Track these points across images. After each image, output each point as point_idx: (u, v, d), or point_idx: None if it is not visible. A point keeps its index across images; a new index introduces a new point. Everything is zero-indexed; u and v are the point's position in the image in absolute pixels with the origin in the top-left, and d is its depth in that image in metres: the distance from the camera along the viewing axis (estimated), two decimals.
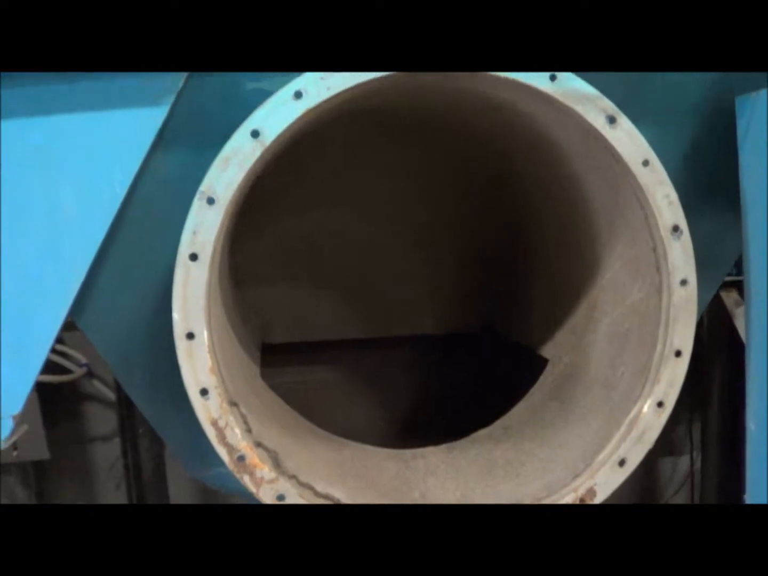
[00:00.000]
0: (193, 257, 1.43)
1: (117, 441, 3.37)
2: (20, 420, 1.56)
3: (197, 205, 1.42)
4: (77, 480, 3.55)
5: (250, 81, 1.56)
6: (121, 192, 1.52)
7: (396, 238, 2.44)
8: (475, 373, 2.31)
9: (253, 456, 1.48)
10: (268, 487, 1.49)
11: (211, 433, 1.47)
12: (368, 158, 2.29)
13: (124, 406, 3.22)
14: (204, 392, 1.45)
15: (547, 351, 1.96)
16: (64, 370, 3.25)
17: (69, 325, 1.64)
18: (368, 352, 2.44)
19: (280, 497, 1.49)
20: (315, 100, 1.42)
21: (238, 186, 1.42)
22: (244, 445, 1.48)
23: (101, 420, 3.43)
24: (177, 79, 1.51)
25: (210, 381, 1.45)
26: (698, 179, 1.68)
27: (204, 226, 1.43)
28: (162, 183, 1.58)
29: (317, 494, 1.52)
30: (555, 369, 1.89)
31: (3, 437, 1.54)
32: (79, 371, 3.25)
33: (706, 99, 1.65)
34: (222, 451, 1.48)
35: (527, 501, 1.56)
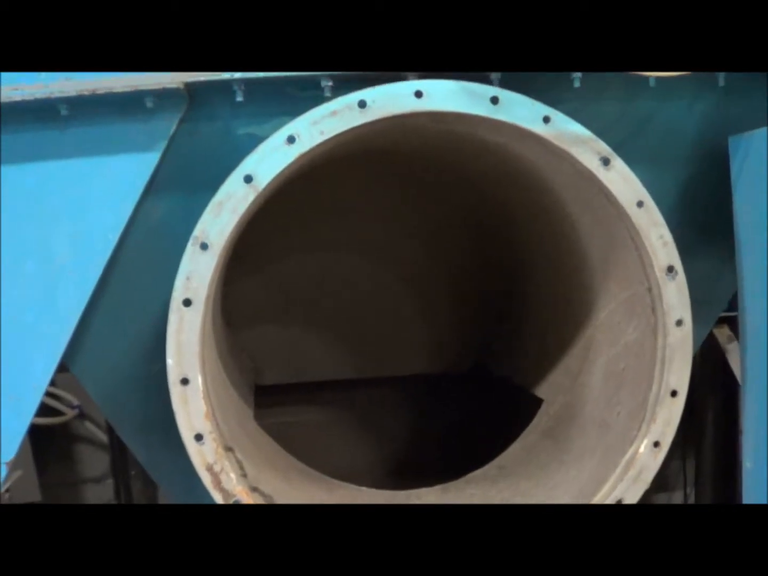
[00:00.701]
0: (187, 303, 1.42)
1: (109, 483, 3.33)
2: (13, 465, 1.55)
3: (191, 250, 1.42)
4: None
5: (241, 126, 1.57)
6: (114, 238, 1.53)
7: (391, 279, 2.45)
8: (468, 413, 2.31)
9: (249, 501, 1.47)
10: None
11: (206, 479, 1.46)
12: (365, 201, 2.30)
13: (117, 448, 3.19)
14: (199, 438, 1.44)
15: (541, 391, 1.96)
16: (56, 412, 3.22)
17: (61, 367, 1.64)
18: (361, 392, 2.43)
19: None
20: (308, 145, 1.42)
21: (231, 231, 1.42)
22: (239, 489, 1.47)
23: (93, 462, 3.39)
24: (169, 124, 1.52)
25: (205, 426, 1.44)
26: (692, 220, 1.69)
27: (197, 272, 1.42)
28: (153, 228, 1.58)
29: None
30: (550, 409, 1.89)
31: None
32: (70, 413, 3.22)
33: (701, 140, 1.67)
34: (218, 497, 1.47)
35: None
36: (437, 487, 1.84)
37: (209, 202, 1.43)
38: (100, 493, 3.39)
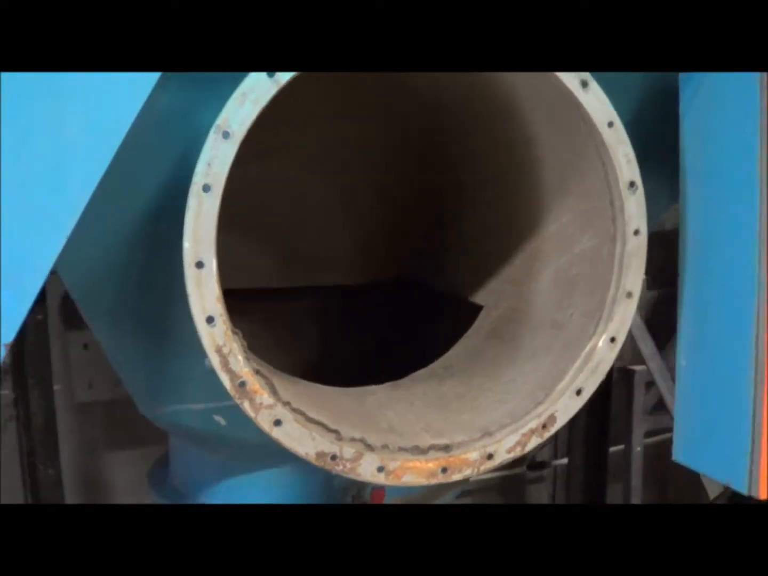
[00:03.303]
0: (206, 188, 1.47)
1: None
2: None
3: (213, 138, 1.46)
4: None
5: None
6: (128, 121, 1.52)
7: (324, 188, 2.53)
8: (394, 322, 2.43)
9: (253, 382, 1.54)
10: (266, 412, 1.55)
11: (215, 360, 1.52)
12: (310, 110, 2.34)
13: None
14: (210, 320, 1.50)
15: (479, 299, 2.12)
16: None
17: None
18: (286, 301, 2.51)
19: (278, 422, 1.56)
20: None
21: (252, 121, 1.48)
22: (245, 371, 1.53)
23: None
24: None
25: (216, 309, 1.50)
26: (639, 146, 1.88)
27: (218, 159, 1.47)
28: (156, 117, 1.59)
29: (309, 419, 1.59)
30: (492, 313, 2.05)
31: None
32: None
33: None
34: (224, 378, 1.53)
35: (494, 429, 1.71)
36: (386, 384, 1.96)
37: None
38: None
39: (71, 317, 3.13)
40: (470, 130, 2.08)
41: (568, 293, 1.83)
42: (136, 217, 1.69)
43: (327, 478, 2.11)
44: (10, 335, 1.52)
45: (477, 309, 2.11)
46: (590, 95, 1.65)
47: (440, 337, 2.16)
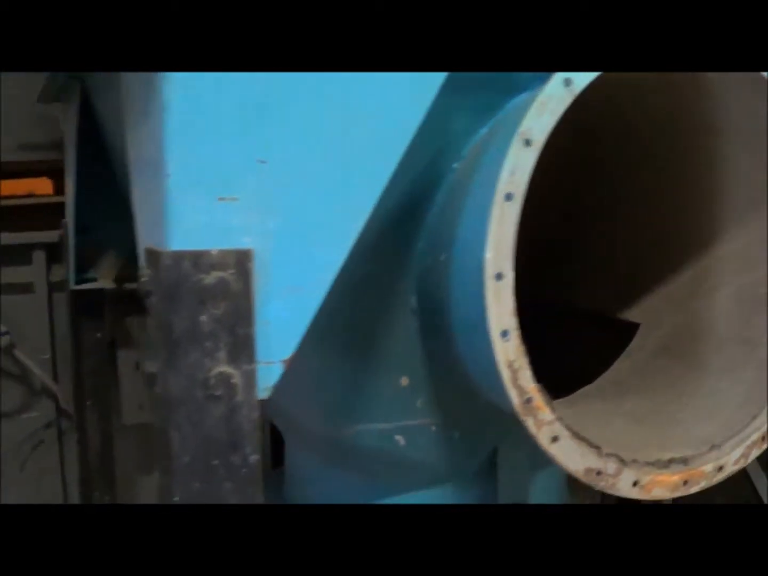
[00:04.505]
0: (509, 197, 1.44)
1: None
2: None
3: (516, 146, 1.44)
4: None
5: None
6: (406, 140, 1.47)
7: None
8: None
9: (538, 399, 1.51)
10: (546, 428, 1.52)
11: (506, 375, 1.48)
12: None
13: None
14: (505, 334, 1.46)
15: (632, 316, 2.15)
16: None
17: None
18: None
19: (555, 439, 1.53)
20: None
21: (550, 130, 1.46)
22: (532, 387, 1.50)
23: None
24: None
25: (511, 323, 1.47)
26: None
27: (520, 167, 1.44)
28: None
29: (577, 436, 1.57)
30: (655, 331, 2.08)
31: (267, 384, 1.42)
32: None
33: None
34: (513, 393, 1.49)
35: (719, 442, 1.73)
36: (559, 401, 1.96)
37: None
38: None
39: (123, 335, 2.96)
40: (639, 136, 2.07)
41: (758, 311, 1.89)
42: (376, 224, 1.63)
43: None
44: (288, 351, 1.44)
45: (627, 326, 2.14)
46: None
47: (580, 354, 2.18)
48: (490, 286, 1.44)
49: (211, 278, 1.32)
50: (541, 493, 2.15)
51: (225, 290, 1.33)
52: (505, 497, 2.05)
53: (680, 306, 2.04)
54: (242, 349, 1.36)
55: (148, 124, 1.40)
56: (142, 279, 1.37)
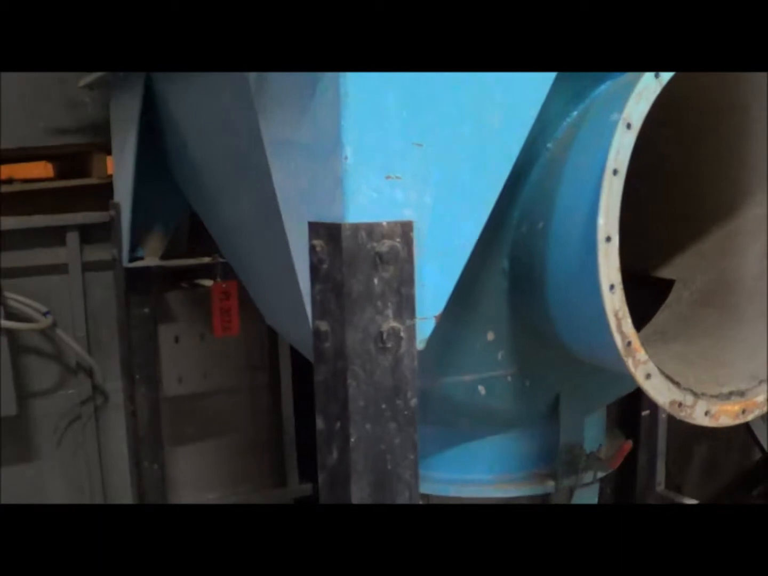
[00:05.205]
0: (615, 172, 1.69)
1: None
2: None
3: (620, 129, 1.69)
4: None
5: None
6: (535, 111, 1.71)
7: None
8: None
9: (636, 341, 1.77)
10: (642, 367, 1.79)
11: (612, 322, 1.74)
12: None
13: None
14: (611, 287, 1.72)
15: (667, 273, 2.44)
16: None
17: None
18: None
19: (648, 376, 1.80)
20: None
21: (645, 116, 1.72)
22: (632, 332, 1.77)
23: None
24: None
25: (616, 278, 1.72)
26: None
27: (623, 147, 1.70)
28: None
29: (662, 373, 1.84)
30: (691, 286, 2.38)
31: (422, 337, 1.65)
32: (44, 320, 2.97)
33: None
34: (617, 338, 1.75)
35: (763, 376, 2.04)
36: None
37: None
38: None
39: (163, 311, 3.11)
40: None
41: None
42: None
43: (551, 443, 2.36)
44: (438, 308, 1.66)
45: (662, 282, 2.43)
46: None
47: None
48: (602, 248, 1.69)
49: (383, 246, 1.53)
50: (588, 433, 2.43)
51: (394, 256, 1.55)
52: (565, 437, 2.33)
53: (712, 263, 2.33)
54: (406, 306, 1.58)
55: (313, 115, 1.60)
56: (316, 248, 1.58)
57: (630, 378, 2.38)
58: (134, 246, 2.91)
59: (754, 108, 2.17)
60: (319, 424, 1.66)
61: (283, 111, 1.73)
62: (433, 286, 1.64)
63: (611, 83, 1.88)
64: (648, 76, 1.71)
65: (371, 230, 1.53)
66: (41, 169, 4.00)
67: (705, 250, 2.38)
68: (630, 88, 1.73)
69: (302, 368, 3.77)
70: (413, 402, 1.62)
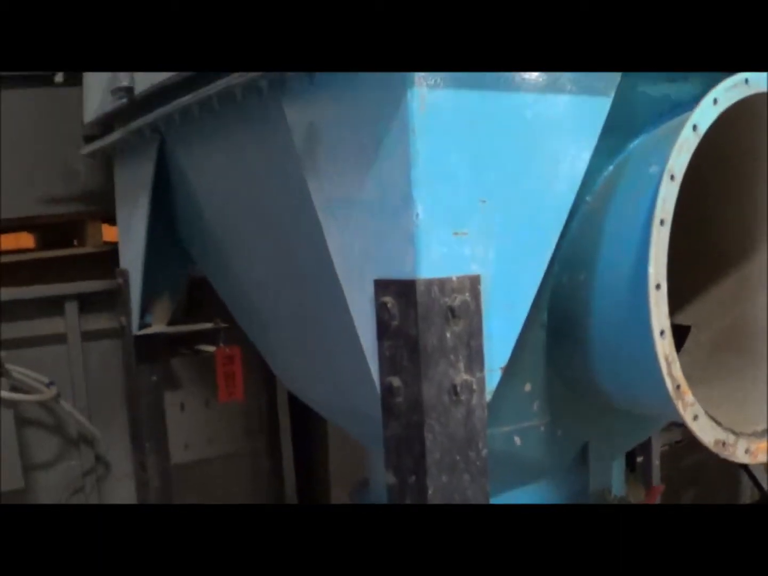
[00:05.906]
0: (662, 222, 1.77)
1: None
2: None
3: (665, 181, 1.77)
4: None
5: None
6: (582, 167, 1.79)
7: None
8: None
9: (684, 385, 1.84)
10: (690, 409, 1.85)
11: (664, 367, 1.80)
12: None
13: None
14: (662, 333, 1.78)
15: (681, 320, 2.52)
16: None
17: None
18: None
19: (696, 417, 1.86)
20: (724, 106, 1.86)
21: (685, 167, 1.80)
22: (680, 376, 1.83)
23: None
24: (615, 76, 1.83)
25: (666, 324, 1.79)
26: None
27: (668, 198, 1.78)
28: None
29: (707, 414, 1.90)
30: (706, 332, 2.46)
31: (490, 389, 1.69)
32: (48, 391, 2.92)
33: None
34: (668, 381, 1.81)
35: None
36: None
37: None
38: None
39: (168, 377, 3.08)
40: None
41: None
42: None
43: (579, 490, 2.39)
44: (504, 359, 1.71)
45: (678, 328, 2.50)
46: None
47: None
48: (653, 295, 1.75)
49: (455, 301, 1.58)
50: (616, 479, 2.48)
51: (465, 310, 1.59)
52: (595, 483, 2.37)
53: (727, 308, 2.42)
54: (476, 359, 1.62)
55: (378, 173, 1.65)
56: (386, 305, 1.61)
57: (652, 423, 2.46)
58: (143, 313, 2.91)
59: (762, 154, 2.28)
60: (390, 479, 1.67)
61: (340, 170, 1.77)
62: (499, 338, 1.68)
63: (645, 137, 1.97)
64: (687, 130, 1.80)
65: (443, 285, 1.57)
66: (23, 240, 3.98)
67: (720, 295, 2.46)
68: (667, 141, 1.81)
69: (301, 432, 3.77)
70: (484, 452, 1.65)
